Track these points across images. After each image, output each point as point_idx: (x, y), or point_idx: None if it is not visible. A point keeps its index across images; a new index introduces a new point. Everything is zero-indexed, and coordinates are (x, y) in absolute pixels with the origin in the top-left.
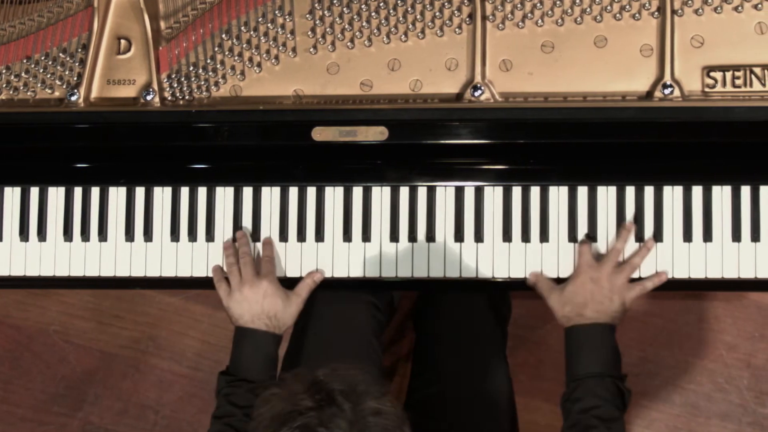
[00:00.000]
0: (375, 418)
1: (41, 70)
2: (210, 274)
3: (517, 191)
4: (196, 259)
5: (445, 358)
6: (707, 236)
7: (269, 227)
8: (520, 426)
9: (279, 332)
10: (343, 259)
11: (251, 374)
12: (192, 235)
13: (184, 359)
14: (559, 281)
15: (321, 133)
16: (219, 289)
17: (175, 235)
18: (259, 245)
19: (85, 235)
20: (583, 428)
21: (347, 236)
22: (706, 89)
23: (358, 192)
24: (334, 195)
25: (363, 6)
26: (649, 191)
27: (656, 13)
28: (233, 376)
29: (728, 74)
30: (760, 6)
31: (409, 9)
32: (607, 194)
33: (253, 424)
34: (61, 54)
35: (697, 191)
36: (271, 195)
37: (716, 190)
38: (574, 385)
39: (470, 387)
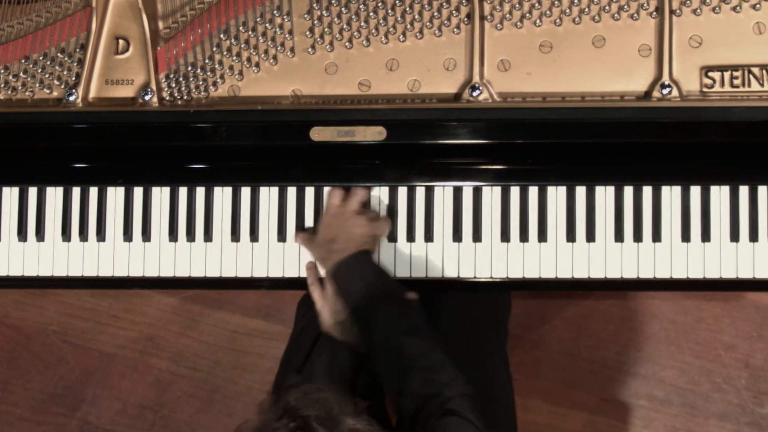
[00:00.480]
0: None
1: (39, 70)
2: (208, 274)
3: (515, 191)
4: (194, 259)
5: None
6: (705, 236)
7: (267, 227)
8: (518, 426)
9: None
10: None
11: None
12: (190, 235)
13: (183, 359)
14: (556, 282)
15: (319, 133)
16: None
17: (173, 235)
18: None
19: (83, 235)
20: (392, 349)
21: None
22: (705, 89)
23: None
24: None
25: (361, 6)
26: (647, 191)
27: (654, 13)
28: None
29: (726, 74)
30: (758, 6)
31: (408, 9)
32: (605, 194)
33: None
34: (59, 54)
35: (695, 191)
36: (269, 195)
37: (714, 190)
38: (361, 317)
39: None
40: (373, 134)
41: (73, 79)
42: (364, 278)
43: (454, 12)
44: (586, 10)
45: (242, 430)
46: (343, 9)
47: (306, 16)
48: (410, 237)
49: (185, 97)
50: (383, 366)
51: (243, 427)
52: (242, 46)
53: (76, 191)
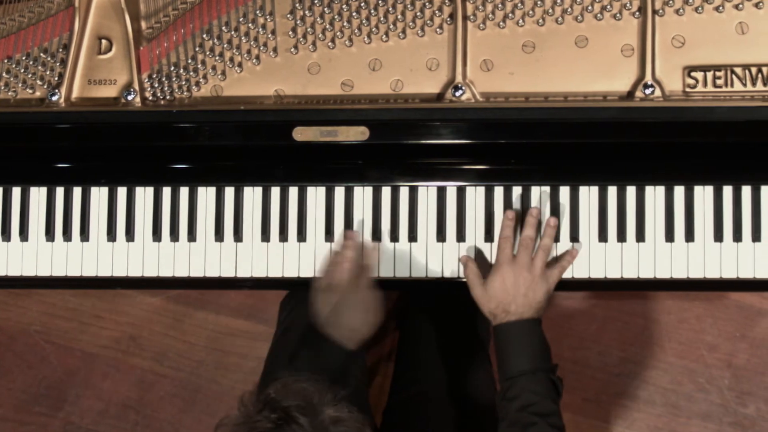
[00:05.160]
0: (335, 427)
1: (22, 70)
2: (192, 274)
3: (499, 191)
4: (177, 259)
5: (428, 358)
6: (689, 236)
7: (251, 227)
8: None
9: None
10: (325, 258)
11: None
12: (174, 235)
13: (165, 359)
14: None
15: (302, 133)
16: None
17: (156, 235)
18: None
19: (67, 235)
20: (523, 426)
21: (329, 236)
22: (687, 89)
23: (340, 192)
24: (316, 195)
25: (344, 6)
26: (631, 191)
27: (637, 13)
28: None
29: (709, 74)
30: (741, 6)
31: (390, 9)
32: (589, 194)
33: None
34: (42, 54)
35: (679, 191)
36: (253, 195)
37: (698, 190)
38: (508, 384)
39: (452, 388)
40: (356, 134)
41: (56, 79)
42: (531, 348)
43: (436, 12)
44: (569, 10)
45: (224, 425)
46: (325, 9)
47: (289, 16)
48: (394, 237)
49: (168, 97)
50: None
51: (224, 421)
52: (225, 46)
53: (60, 191)
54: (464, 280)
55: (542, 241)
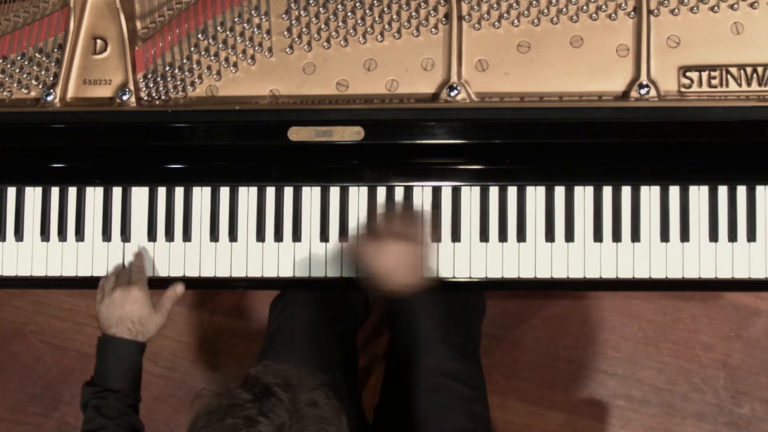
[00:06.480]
0: (311, 409)
1: (17, 70)
2: (187, 274)
3: (494, 191)
4: (172, 259)
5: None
6: (684, 236)
7: (246, 227)
8: (496, 426)
9: (142, 339)
10: (321, 259)
11: (116, 383)
12: (169, 236)
13: (160, 359)
14: (535, 282)
15: (297, 133)
16: (97, 294)
17: (151, 235)
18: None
19: (62, 235)
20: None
21: (324, 236)
22: (683, 89)
23: (335, 192)
24: (311, 195)
25: (339, 6)
26: (626, 191)
27: (632, 13)
28: (98, 387)
29: (704, 74)
30: (736, 6)
31: (385, 9)
32: (584, 194)
33: (190, 421)
34: (37, 54)
35: (674, 191)
36: (248, 195)
37: (693, 190)
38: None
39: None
40: (351, 134)
41: (51, 79)
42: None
43: (432, 12)
44: (564, 10)
45: (202, 396)
46: (321, 9)
47: (284, 16)
48: None
49: (163, 97)
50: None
51: (203, 393)
52: (220, 46)
53: (55, 191)
54: (456, 280)
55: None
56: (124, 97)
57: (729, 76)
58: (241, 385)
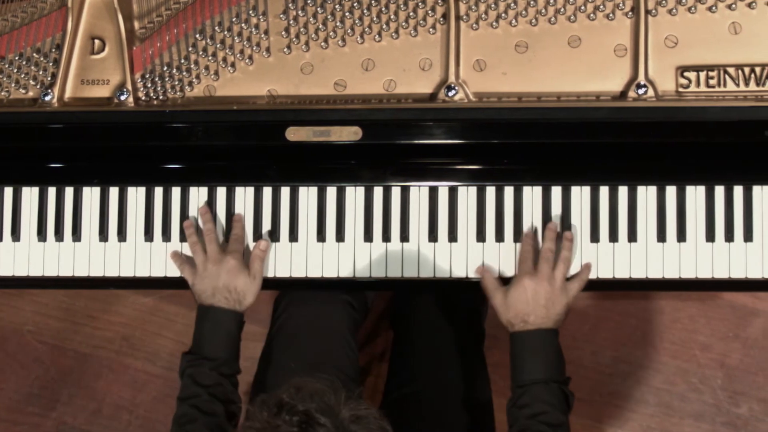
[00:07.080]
0: (356, 425)
1: (15, 70)
2: (183, 274)
3: (491, 191)
4: (170, 258)
5: (422, 359)
6: (681, 236)
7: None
8: (497, 426)
9: (240, 308)
10: (317, 259)
11: (213, 352)
12: (166, 235)
13: (158, 359)
14: None
15: (295, 133)
16: (183, 272)
17: (149, 235)
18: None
19: (58, 235)
20: None
21: (321, 236)
22: (680, 89)
23: (332, 192)
24: (308, 195)
25: (337, 6)
26: (623, 191)
27: (630, 13)
28: (196, 355)
29: (702, 74)
30: (734, 6)
31: (383, 9)
32: (581, 194)
33: None
34: (35, 54)
35: (671, 191)
36: (245, 195)
37: (690, 190)
38: (521, 392)
39: (447, 387)
40: (349, 134)
41: (49, 79)
42: (546, 358)
43: (429, 12)
44: (562, 10)
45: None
46: (318, 9)
47: (282, 16)
48: (386, 237)
49: (161, 97)
50: None
51: (245, 430)
52: (218, 46)
53: (52, 191)
54: (456, 278)
55: (562, 254)
56: (122, 97)
57: (727, 76)
58: (277, 413)
